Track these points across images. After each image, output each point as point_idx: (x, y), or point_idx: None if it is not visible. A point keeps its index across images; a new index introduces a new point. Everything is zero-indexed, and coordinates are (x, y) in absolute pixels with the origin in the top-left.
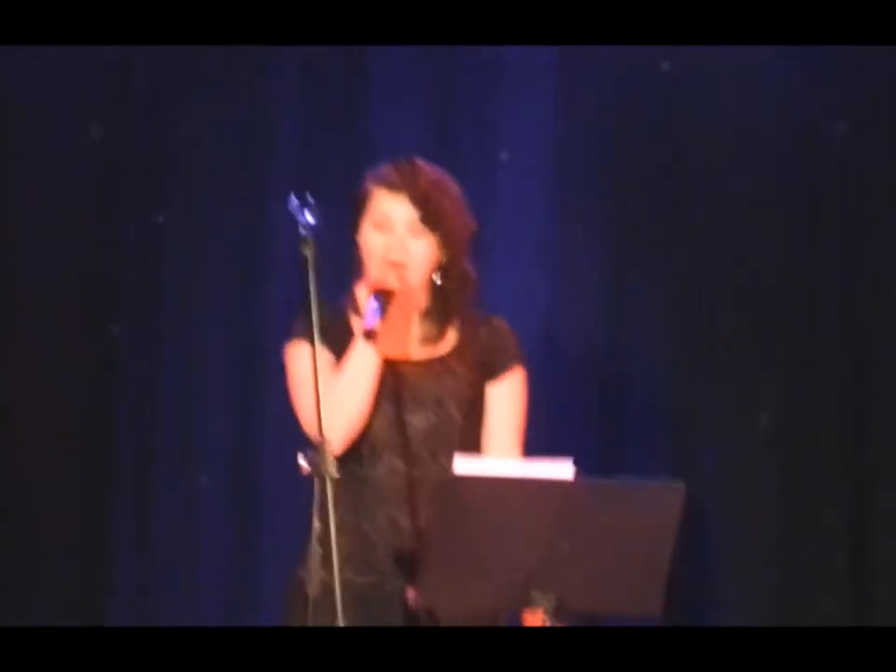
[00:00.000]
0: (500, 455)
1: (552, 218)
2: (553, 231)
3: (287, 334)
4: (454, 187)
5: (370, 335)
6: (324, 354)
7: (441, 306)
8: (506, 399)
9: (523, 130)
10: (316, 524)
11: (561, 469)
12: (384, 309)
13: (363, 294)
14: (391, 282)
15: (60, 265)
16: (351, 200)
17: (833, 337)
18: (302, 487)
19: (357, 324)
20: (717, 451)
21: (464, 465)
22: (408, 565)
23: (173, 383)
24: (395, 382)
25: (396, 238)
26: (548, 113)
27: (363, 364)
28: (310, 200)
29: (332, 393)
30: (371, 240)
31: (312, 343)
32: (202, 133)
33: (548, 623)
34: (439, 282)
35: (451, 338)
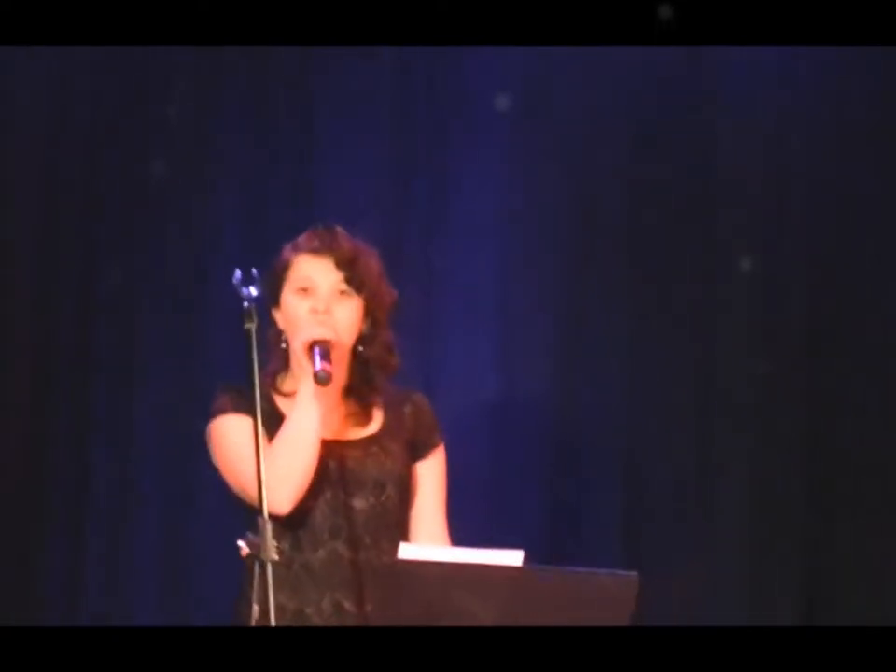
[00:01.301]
0: (432, 535)
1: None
2: (501, 297)
3: (211, 412)
4: (374, 252)
5: (323, 376)
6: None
7: (365, 379)
8: (434, 477)
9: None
10: (255, 608)
11: (510, 557)
12: (328, 357)
13: (299, 354)
14: (327, 335)
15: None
16: (270, 274)
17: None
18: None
19: (280, 403)
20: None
21: (409, 550)
22: None
23: (103, 467)
24: (332, 463)
25: (321, 301)
26: (497, 169)
27: (310, 413)
28: (254, 274)
29: (277, 450)
30: (295, 306)
31: (247, 414)
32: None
33: None
34: (362, 351)
35: (377, 415)
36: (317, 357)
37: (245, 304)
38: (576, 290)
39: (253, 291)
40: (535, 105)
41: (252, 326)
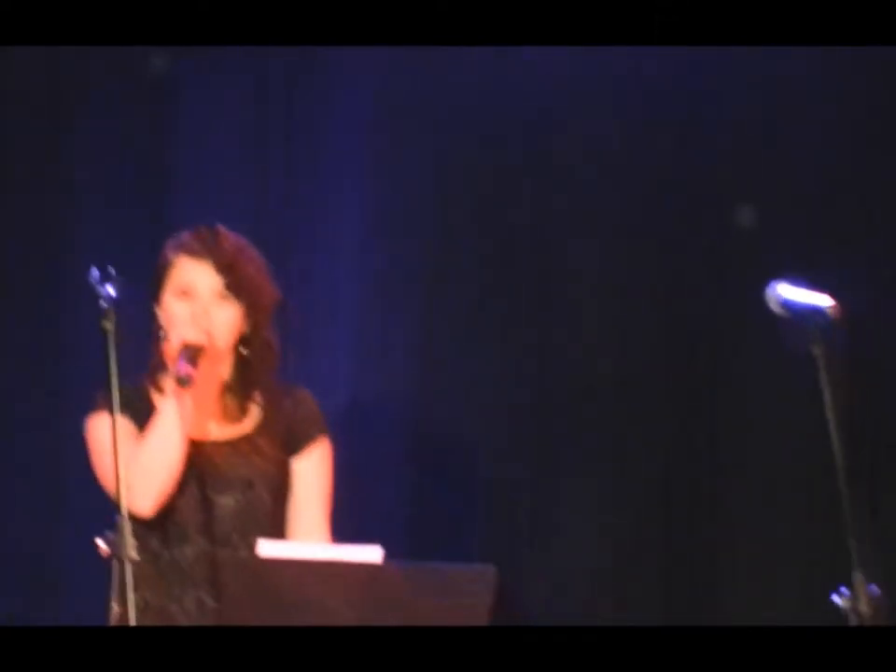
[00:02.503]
0: (308, 530)
1: (364, 287)
2: (364, 299)
3: (86, 408)
4: (257, 255)
5: (184, 380)
6: (126, 424)
7: (244, 379)
8: (312, 472)
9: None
10: (115, 607)
11: (369, 553)
12: (195, 361)
13: (170, 354)
14: (198, 339)
15: None
16: (153, 270)
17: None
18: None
19: (158, 400)
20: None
21: (268, 547)
22: None
23: None
24: (201, 462)
25: (200, 305)
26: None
27: (173, 414)
28: (111, 272)
29: (141, 451)
30: (174, 308)
31: (120, 412)
32: None
33: None
34: (244, 352)
35: (254, 413)
36: (182, 361)
37: (102, 304)
38: (434, 291)
39: (110, 290)
40: (395, 107)
41: (109, 326)
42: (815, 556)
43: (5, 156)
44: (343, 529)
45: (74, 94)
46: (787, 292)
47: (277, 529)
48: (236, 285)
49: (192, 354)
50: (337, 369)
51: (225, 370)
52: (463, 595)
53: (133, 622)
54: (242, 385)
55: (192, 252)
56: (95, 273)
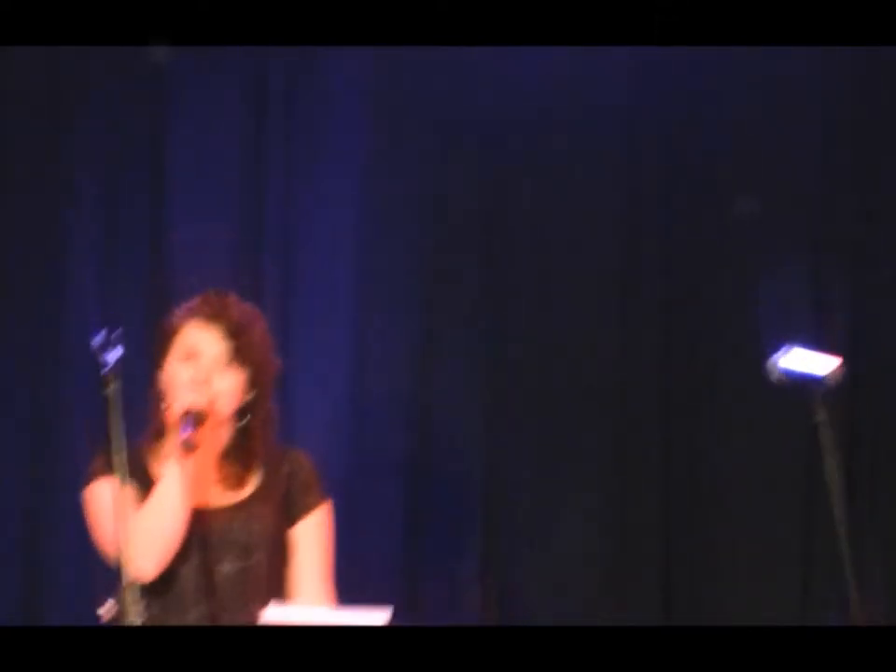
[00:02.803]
0: (310, 595)
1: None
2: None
3: (84, 479)
4: (263, 322)
5: (188, 445)
6: (129, 490)
7: (243, 446)
8: (312, 539)
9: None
10: None
11: (375, 617)
12: (198, 426)
13: (173, 419)
14: (201, 404)
15: None
16: (158, 334)
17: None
18: None
19: (154, 466)
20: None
21: (274, 612)
22: None
23: None
24: (201, 529)
25: (203, 370)
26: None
27: (176, 480)
28: (114, 337)
29: (144, 515)
30: (178, 372)
31: (113, 477)
32: None
33: None
34: (244, 420)
35: (252, 479)
36: (185, 426)
37: (104, 370)
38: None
39: (113, 355)
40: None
41: (111, 391)
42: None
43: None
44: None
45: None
46: (787, 362)
47: (277, 594)
48: (242, 351)
49: (195, 418)
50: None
51: (224, 436)
52: None
53: None
54: (241, 452)
55: (201, 316)
56: (99, 337)
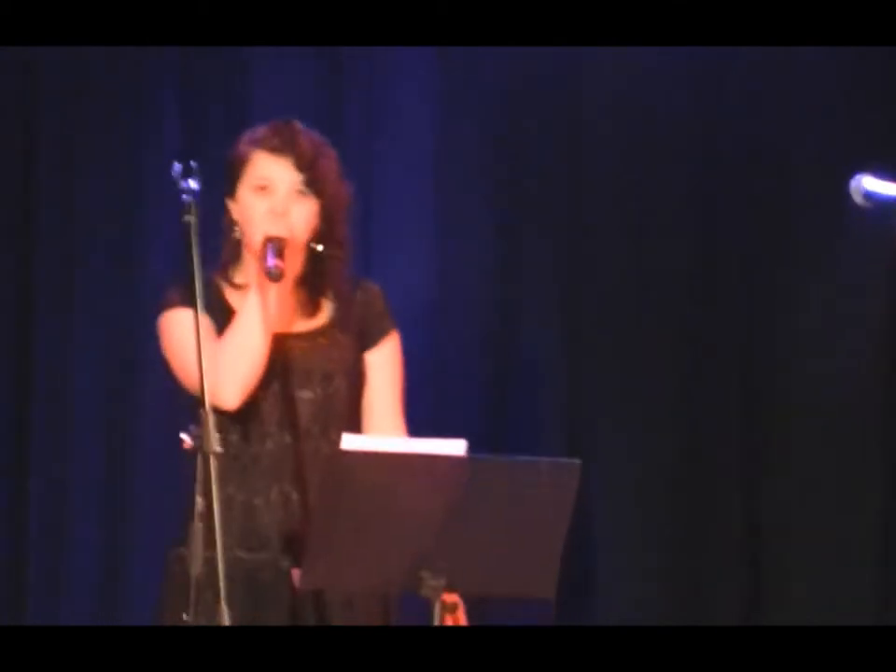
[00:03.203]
0: (384, 422)
1: (438, 183)
2: (440, 196)
3: (160, 305)
4: (333, 152)
5: (275, 273)
6: (204, 318)
7: (318, 274)
8: (385, 365)
9: (406, 96)
10: (199, 501)
11: (453, 446)
12: (282, 254)
13: (253, 249)
14: (282, 232)
15: None
16: (227, 164)
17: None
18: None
19: (230, 294)
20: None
21: (352, 441)
22: (298, 543)
23: (47, 362)
24: (279, 356)
25: (278, 201)
26: (432, 80)
27: (258, 307)
28: (193, 166)
29: (227, 343)
30: (252, 203)
31: (193, 308)
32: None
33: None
34: (319, 248)
35: (327, 307)
36: (270, 254)
37: (185, 197)
38: (515, 191)
39: (192, 184)
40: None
41: (192, 219)
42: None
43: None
44: (420, 423)
45: None
46: (871, 184)
47: (354, 423)
48: (315, 181)
49: (278, 247)
50: (417, 267)
51: (298, 265)
52: (546, 488)
53: (217, 515)
54: (316, 280)
55: (272, 148)
56: (177, 167)
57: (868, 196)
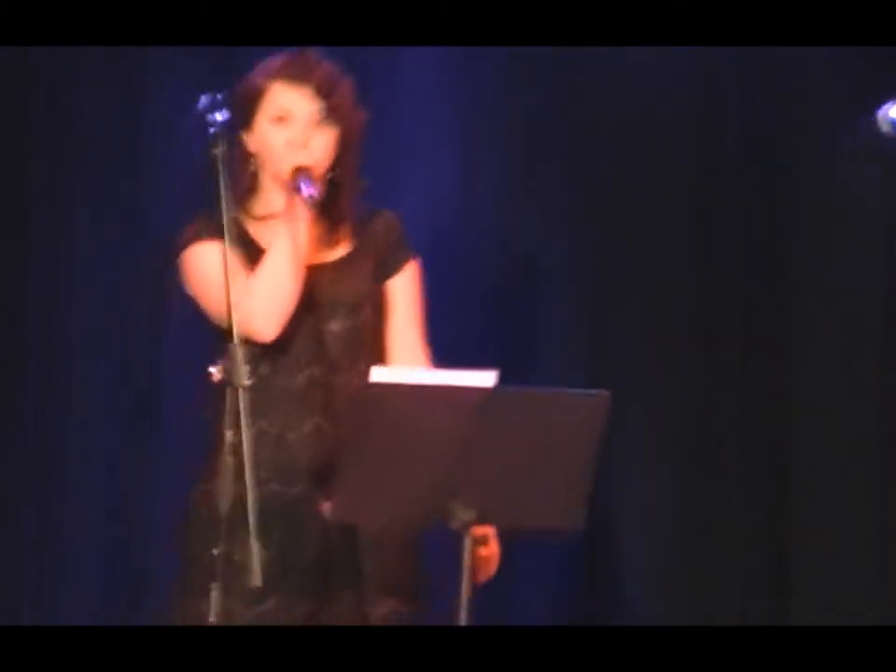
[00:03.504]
0: (408, 351)
1: (456, 110)
2: (458, 122)
3: (181, 242)
4: (349, 79)
5: (310, 201)
6: (234, 252)
7: (337, 203)
8: (406, 293)
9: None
10: (228, 435)
11: (483, 378)
12: (312, 183)
13: (280, 181)
14: (308, 161)
15: None
16: (241, 96)
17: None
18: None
19: (252, 227)
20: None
21: (381, 373)
22: (331, 477)
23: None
24: (306, 288)
25: (298, 132)
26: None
27: (291, 237)
28: (220, 98)
29: (263, 274)
30: (270, 135)
31: (220, 240)
32: None
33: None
34: (336, 176)
35: (348, 237)
36: (303, 184)
37: (212, 130)
38: (541, 117)
39: (219, 116)
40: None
41: (219, 151)
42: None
43: None
44: (450, 355)
45: None
46: None
47: (381, 353)
48: (334, 109)
49: (308, 176)
50: (442, 193)
51: (318, 195)
52: (576, 420)
53: (247, 448)
54: (335, 209)
55: (289, 76)
56: (204, 99)
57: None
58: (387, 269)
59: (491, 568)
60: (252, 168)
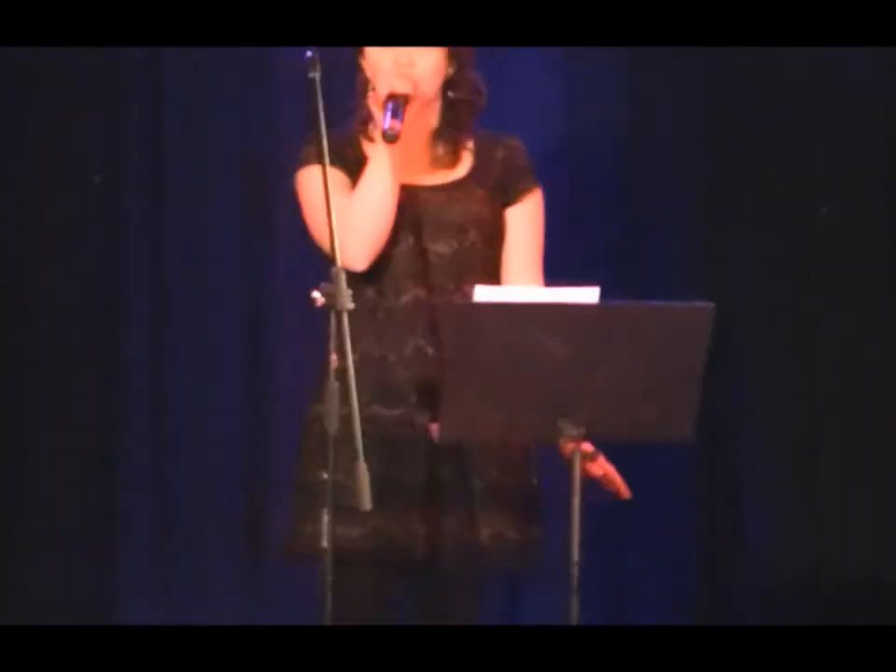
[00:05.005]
0: (523, 278)
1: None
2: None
3: (295, 162)
4: None
5: (390, 135)
6: (338, 175)
7: (453, 123)
8: (526, 221)
9: None
10: (333, 358)
11: (586, 294)
12: (401, 113)
13: (376, 106)
14: (404, 88)
15: None
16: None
17: None
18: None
19: (369, 149)
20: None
21: (485, 293)
22: (435, 398)
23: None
24: (414, 209)
25: (404, 53)
26: None
27: (383, 165)
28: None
29: (354, 204)
30: (378, 54)
31: (332, 164)
32: None
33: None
34: (451, 96)
35: (466, 160)
36: (388, 114)
37: (308, 53)
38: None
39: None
40: None
41: (316, 75)
42: None
43: None
44: (562, 266)
45: None
46: None
47: (491, 277)
48: None
49: (398, 105)
50: (550, 109)
51: (433, 116)
52: (680, 332)
53: (351, 372)
54: (451, 129)
55: None
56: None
57: None
58: (508, 196)
59: (617, 482)
60: (370, 94)
